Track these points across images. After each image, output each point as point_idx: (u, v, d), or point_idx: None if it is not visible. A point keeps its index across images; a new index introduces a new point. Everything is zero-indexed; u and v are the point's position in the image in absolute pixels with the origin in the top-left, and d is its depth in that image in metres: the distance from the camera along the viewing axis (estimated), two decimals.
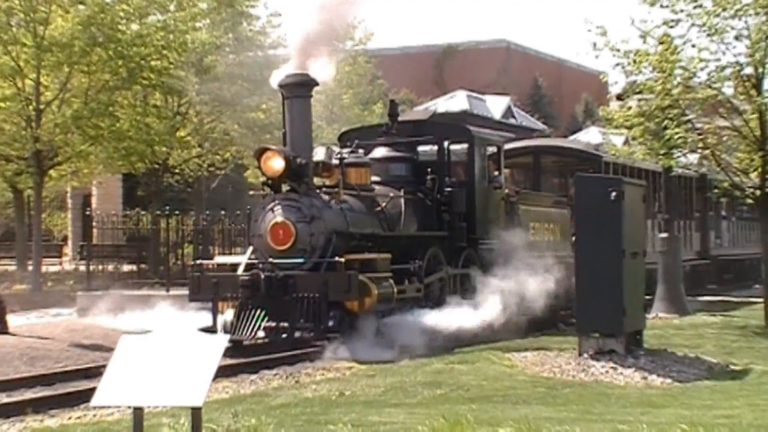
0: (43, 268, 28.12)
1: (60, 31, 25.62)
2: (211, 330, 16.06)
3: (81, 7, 26.08)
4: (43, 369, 15.33)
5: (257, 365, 14.79)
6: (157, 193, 33.52)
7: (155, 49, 27.11)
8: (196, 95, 28.77)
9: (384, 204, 18.52)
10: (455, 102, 51.26)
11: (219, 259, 19.76)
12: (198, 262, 18.92)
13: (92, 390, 8.63)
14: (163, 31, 27.80)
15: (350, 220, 17.44)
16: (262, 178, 17.56)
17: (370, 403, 11.48)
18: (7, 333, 18.81)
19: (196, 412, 7.99)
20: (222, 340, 8.54)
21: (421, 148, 20.47)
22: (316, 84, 17.63)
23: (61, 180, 32.33)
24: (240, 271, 16.92)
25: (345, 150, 19.08)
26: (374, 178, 19.18)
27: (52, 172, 28.31)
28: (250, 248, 17.74)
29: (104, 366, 8.59)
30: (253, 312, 16.08)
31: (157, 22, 28.47)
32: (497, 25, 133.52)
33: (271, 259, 16.70)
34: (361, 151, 19.33)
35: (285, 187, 17.11)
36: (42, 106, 26.08)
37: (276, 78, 17.63)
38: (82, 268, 29.11)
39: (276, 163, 16.76)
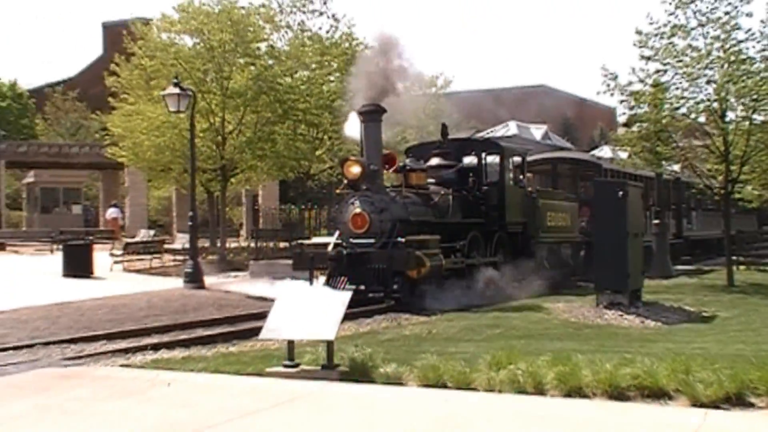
0: (226, 245, 28.56)
1: (238, 84, 25.96)
2: None
3: (252, 68, 26.39)
4: (227, 313, 15.60)
5: (371, 312, 14.63)
6: (302, 194, 33.85)
7: (301, 96, 27.32)
8: (329, 126, 28.91)
9: (436, 199, 18.07)
10: (508, 129, 50.80)
11: (315, 240, 19.35)
12: (299, 242, 18.45)
13: (260, 328, 8.75)
14: (306, 83, 28.03)
15: (410, 211, 16.98)
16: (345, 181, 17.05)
17: (449, 339, 11.45)
18: (203, 288, 19.22)
19: (329, 344, 8.05)
20: (347, 294, 8.58)
21: (465, 159, 19.98)
22: (385, 111, 16.96)
23: (238, 185, 32.77)
24: (329, 248, 16.62)
25: (408, 160, 18.87)
26: (429, 180, 18.70)
27: (232, 179, 28.68)
28: (336, 232, 17.27)
29: (267, 311, 8.72)
30: (338, 278, 15.75)
31: (303, 77, 28.71)
32: (538, 73, 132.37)
33: (351, 240, 16.38)
34: (420, 160, 19.05)
35: (362, 187, 16.64)
36: (226, 135, 26.48)
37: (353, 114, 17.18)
38: (253, 245, 29.63)
39: (355, 169, 16.42)
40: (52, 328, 13.07)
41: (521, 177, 20.47)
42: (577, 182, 25.12)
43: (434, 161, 19.47)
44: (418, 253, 15.77)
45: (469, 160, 20.05)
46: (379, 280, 15.80)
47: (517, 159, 20.55)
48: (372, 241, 16.26)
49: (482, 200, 19.27)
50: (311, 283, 15.81)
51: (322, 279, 16.26)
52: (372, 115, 16.80)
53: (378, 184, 16.93)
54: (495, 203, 19.29)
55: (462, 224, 18.39)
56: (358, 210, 16.43)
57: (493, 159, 19.95)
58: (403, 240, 15.93)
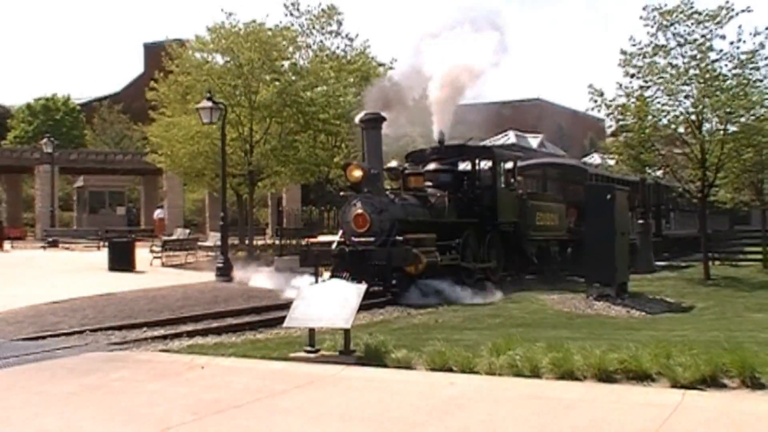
0: (254, 242, 28.59)
1: (264, 97, 25.99)
2: None
3: (276, 83, 26.44)
4: (254, 303, 15.54)
5: (384, 303, 14.56)
6: (321, 196, 33.88)
7: (321, 108, 27.30)
8: (347, 135, 28.88)
9: (433, 201, 17.78)
10: (507, 138, 50.80)
11: (321, 238, 19.03)
12: (306, 241, 17.99)
13: (284, 317, 8.75)
14: (325, 96, 28.01)
15: (408, 212, 16.70)
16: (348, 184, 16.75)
17: (455, 327, 11.45)
18: (233, 281, 19.22)
19: (346, 332, 8.06)
20: (362, 287, 8.55)
21: (460, 164, 19.69)
22: (384, 119, 16.59)
23: (264, 188, 32.79)
24: (333, 246, 16.34)
25: (407, 164, 18.61)
26: (427, 184, 18.43)
27: (259, 183, 28.72)
28: (340, 231, 16.93)
29: (290, 302, 8.75)
30: (341, 274, 15.10)
31: (322, 91, 28.71)
32: (535, 87, 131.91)
33: (353, 238, 16.13)
34: (419, 165, 18.75)
35: (364, 189, 16.34)
36: (253, 144, 26.52)
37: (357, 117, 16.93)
38: (277, 242, 29.65)
39: (357, 173, 16.19)
40: (99, 317, 13.14)
41: (512, 180, 20.17)
42: (565, 186, 24.98)
43: (431, 166, 19.19)
44: (416, 251, 15.51)
45: (464, 164, 19.77)
46: (379, 276, 15.49)
47: (509, 164, 20.29)
48: (372, 239, 15.98)
49: (476, 202, 18.93)
50: (316, 279, 15.75)
51: (327, 275, 16.05)
52: (373, 122, 16.55)
53: (378, 186, 16.63)
54: (488, 204, 18.95)
55: (457, 224, 18.09)
56: (359, 211, 16.19)
57: (486, 164, 19.68)
58: (401, 238, 15.62)
